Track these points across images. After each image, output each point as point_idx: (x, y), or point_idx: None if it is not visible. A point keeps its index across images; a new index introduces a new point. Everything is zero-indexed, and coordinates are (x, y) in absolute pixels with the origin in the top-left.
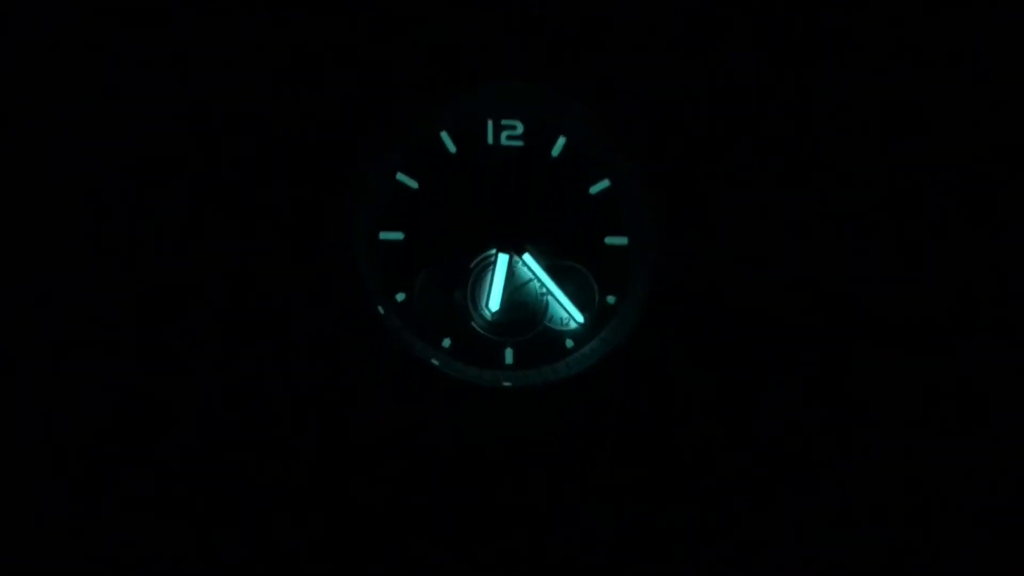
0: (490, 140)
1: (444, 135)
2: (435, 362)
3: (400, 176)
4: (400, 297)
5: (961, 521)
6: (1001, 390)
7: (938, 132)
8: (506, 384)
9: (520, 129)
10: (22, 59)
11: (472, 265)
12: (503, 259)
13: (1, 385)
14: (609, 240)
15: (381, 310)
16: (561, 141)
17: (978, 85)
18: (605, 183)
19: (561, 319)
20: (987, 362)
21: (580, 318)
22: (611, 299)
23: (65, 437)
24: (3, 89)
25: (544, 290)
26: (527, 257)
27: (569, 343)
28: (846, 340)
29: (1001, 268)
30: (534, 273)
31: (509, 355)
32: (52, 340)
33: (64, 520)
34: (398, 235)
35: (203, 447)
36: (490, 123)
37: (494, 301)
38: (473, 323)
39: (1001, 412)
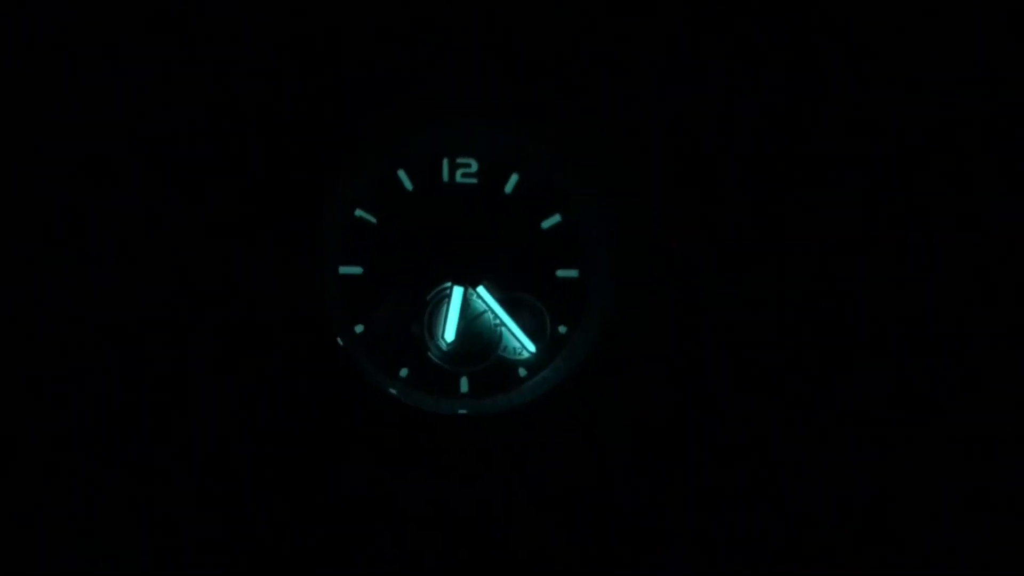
0: (445, 178)
1: (401, 173)
2: (393, 391)
3: (359, 212)
4: (359, 329)
5: (958, 522)
6: (992, 393)
7: (916, 143)
8: (462, 412)
9: (474, 167)
10: None
11: (428, 298)
12: (458, 292)
13: None
14: (560, 273)
15: (340, 342)
16: (514, 178)
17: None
18: (556, 218)
19: (514, 349)
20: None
21: (532, 348)
22: (563, 329)
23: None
24: None
25: (498, 321)
26: (481, 290)
27: (522, 372)
28: (804, 367)
29: (987, 270)
30: (488, 305)
31: (464, 384)
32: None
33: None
34: (357, 269)
35: (158, 478)
36: (445, 161)
37: (449, 332)
38: (430, 353)
39: (995, 414)
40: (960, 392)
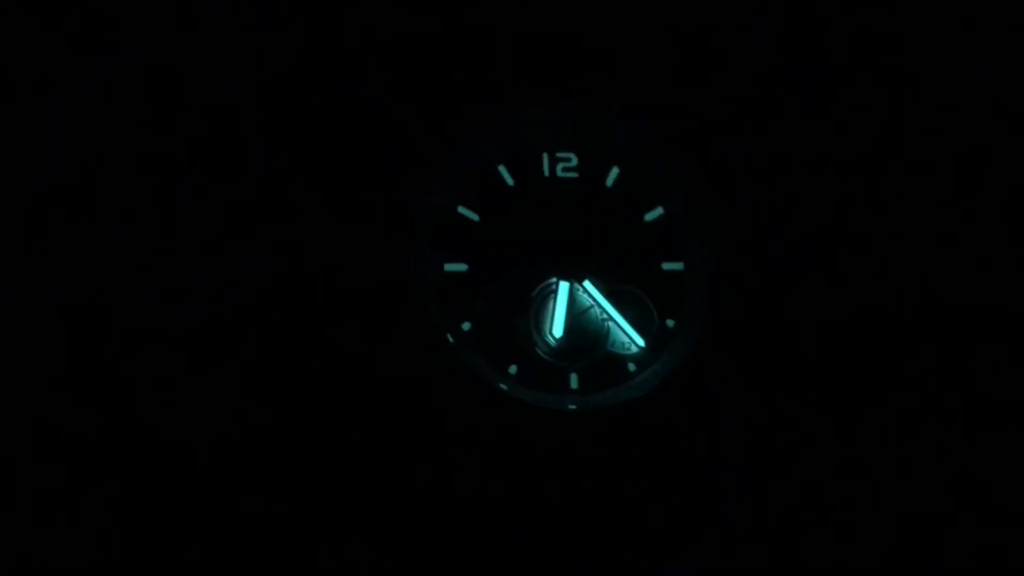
0: (546, 172)
1: (502, 168)
2: (503, 387)
3: (461, 209)
4: (466, 326)
5: (960, 522)
6: None
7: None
8: (572, 407)
9: (574, 161)
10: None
11: (534, 293)
12: (564, 287)
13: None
14: (666, 266)
15: (451, 339)
16: (615, 171)
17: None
18: (659, 211)
19: (623, 343)
20: None
21: (641, 342)
22: (670, 323)
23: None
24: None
25: (605, 316)
26: (588, 284)
27: (631, 367)
28: (903, 364)
29: None
30: (595, 299)
31: (574, 380)
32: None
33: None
34: (462, 266)
35: (271, 475)
36: (545, 156)
37: (557, 328)
38: (538, 349)
39: None
40: None
